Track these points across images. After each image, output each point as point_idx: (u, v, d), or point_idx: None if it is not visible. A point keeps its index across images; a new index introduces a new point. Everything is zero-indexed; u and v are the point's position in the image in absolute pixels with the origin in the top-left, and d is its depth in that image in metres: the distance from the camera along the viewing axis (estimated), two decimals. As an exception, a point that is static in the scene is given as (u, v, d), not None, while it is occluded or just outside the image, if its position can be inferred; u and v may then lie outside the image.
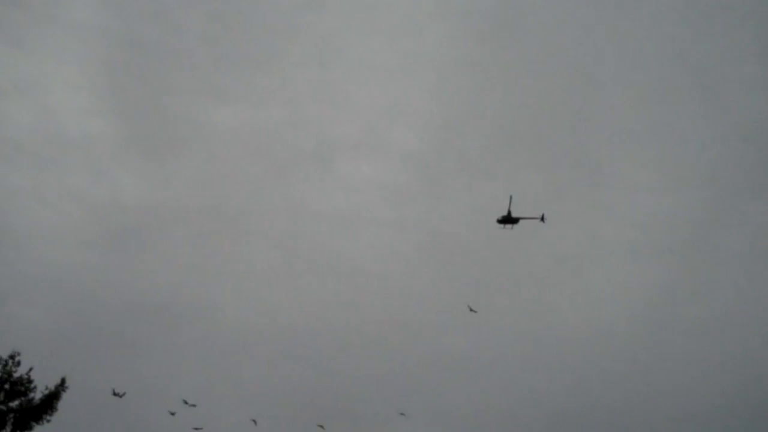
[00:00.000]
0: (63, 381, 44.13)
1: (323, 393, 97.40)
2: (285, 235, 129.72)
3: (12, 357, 44.39)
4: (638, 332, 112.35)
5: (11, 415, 42.03)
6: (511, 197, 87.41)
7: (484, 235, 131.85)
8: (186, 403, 72.52)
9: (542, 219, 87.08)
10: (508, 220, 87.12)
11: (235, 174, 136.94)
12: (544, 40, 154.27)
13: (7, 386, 43.02)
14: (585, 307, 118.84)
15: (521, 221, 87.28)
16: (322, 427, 76.62)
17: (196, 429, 72.97)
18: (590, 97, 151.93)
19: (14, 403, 42.46)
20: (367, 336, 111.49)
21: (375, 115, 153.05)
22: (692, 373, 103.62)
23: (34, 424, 42.53)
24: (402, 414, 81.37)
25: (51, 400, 43.40)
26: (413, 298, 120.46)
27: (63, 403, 43.86)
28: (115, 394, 68.69)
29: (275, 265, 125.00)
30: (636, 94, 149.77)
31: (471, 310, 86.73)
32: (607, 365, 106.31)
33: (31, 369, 44.35)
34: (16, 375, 43.78)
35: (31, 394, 43.19)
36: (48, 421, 42.99)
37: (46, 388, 44.13)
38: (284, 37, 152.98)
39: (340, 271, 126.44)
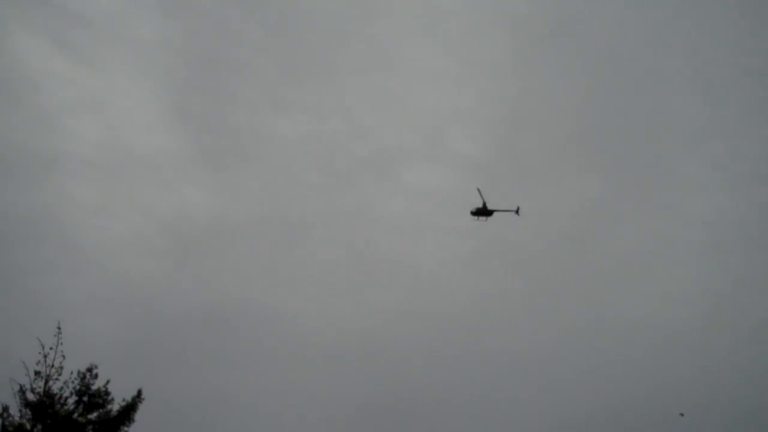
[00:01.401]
0: (139, 392, 44.76)
1: (391, 400, 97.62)
2: (349, 243, 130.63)
3: (89, 370, 45.11)
4: (708, 333, 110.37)
5: (90, 428, 42.80)
6: (479, 189, 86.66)
7: (546, 239, 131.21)
8: None
9: (517, 212, 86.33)
10: (482, 212, 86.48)
11: (299, 184, 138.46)
12: (602, 40, 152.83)
13: (85, 399, 43.73)
14: (652, 309, 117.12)
15: (496, 214, 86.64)
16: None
17: None
18: (652, 96, 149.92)
19: (93, 416, 43.18)
20: (430, 341, 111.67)
21: (433, 121, 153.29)
22: (763, 373, 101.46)
23: (112, 435, 43.25)
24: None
25: (128, 412, 44.06)
26: (475, 303, 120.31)
27: (139, 414, 44.62)
28: None
29: (340, 273, 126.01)
30: (700, 91, 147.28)
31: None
32: (676, 367, 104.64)
33: (108, 381, 45.04)
34: (93, 387, 44.52)
35: (109, 406, 43.87)
36: (126, 432, 43.70)
37: (123, 400, 44.82)
38: (343, 47, 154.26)
39: (403, 277, 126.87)
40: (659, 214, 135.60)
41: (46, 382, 34.35)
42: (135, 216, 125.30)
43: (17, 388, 33.90)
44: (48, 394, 34.37)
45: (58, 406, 35.61)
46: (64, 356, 34.89)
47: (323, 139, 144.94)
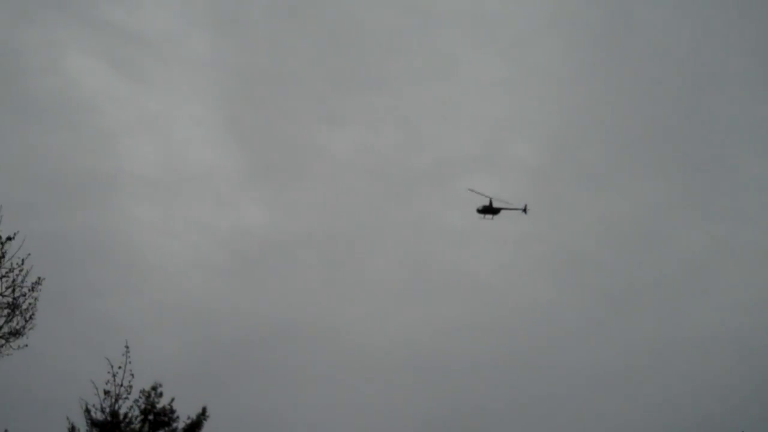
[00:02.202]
0: (204, 410, 44.13)
1: (455, 414, 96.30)
2: (408, 254, 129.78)
3: (154, 388, 44.61)
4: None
5: (156, 446, 42.30)
6: (472, 190, 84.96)
7: (609, 247, 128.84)
8: None
9: (525, 210, 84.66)
10: (489, 210, 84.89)
11: (356, 196, 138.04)
12: (660, 42, 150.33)
13: (151, 417, 43.25)
14: (718, 315, 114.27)
15: (503, 212, 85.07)
16: None
17: None
18: (713, 96, 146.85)
19: (158, 434, 42.76)
20: (492, 354, 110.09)
21: (491, 129, 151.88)
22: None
23: (178, 453, 42.73)
24: None
25: (193, 429, 43.52)
26: (538, 314, 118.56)
27: (204, 432, 44.02)
28: None
29: (400, 285, 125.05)
30: (764, 89, 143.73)
31: None
32: (742, 375, 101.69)
33: (173, 399, 44.52)
34: (159, 406, 44.06)
35: (174, 425, 43.37)
36: (192, 450, 43.12)
37: (188, 418, 44.29)
38: (396, 57, 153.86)
39: (464, 288, 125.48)
40: (725, 217, 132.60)
41: (116, 401, 34.02)
42: (194, 234, 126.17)
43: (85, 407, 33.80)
44: (114, 413, 34.00)
45: (124, 425, 35.20)
46: (132, 375, 34.73)
47: (379, 151, 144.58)
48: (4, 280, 32.48)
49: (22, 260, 32.38)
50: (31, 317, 32.91)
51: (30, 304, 33.08)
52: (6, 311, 32.76)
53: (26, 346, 32.99)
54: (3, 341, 32.81)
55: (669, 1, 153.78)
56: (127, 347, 34.74)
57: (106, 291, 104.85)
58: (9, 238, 32.02)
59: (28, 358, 33.89)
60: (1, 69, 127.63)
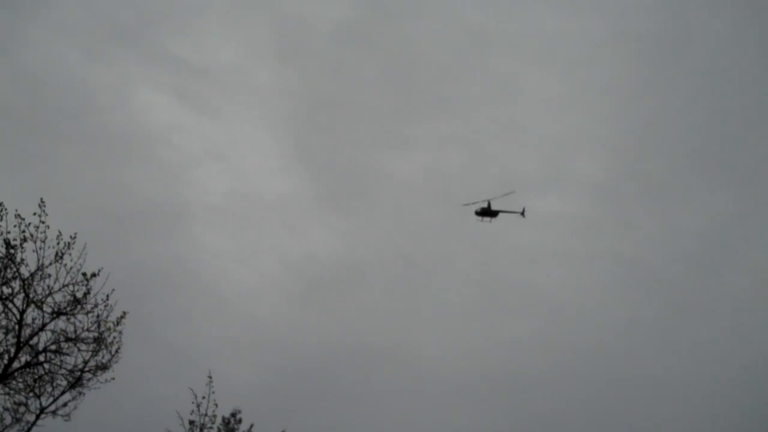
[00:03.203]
0: (283, 435, 44.98)
1: (529, 430, 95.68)
2: (477, 274, 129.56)
3: (233, 415, 45.50)
4: None
5: (238, 473, 43.05)
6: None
7: (679, 260, 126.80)
8: None
9: (522, 213, 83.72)
10: (487, 212, 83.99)
11: (423, 218, 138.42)
12: (721, 52, 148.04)
13: (232, 444, 44.00)
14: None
15: (501, 215, 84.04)
16: None
17: None
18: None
19: (239, 461, 43.49)
20: (564, 370, 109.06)
21: (555, 147, 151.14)
22: None
23: (259, 480, 43.43)
24: None
25: (273, 455, 44.25)
26: (609, 328, 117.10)
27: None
28: None
29: (470, 305, 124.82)
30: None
31: None
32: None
33: (252, 426, 45.33)
34: (239, 432, 44.77)
35: (255, 450, 44.12)
36: (272, 476, 43.85)
37: (268, 443, 44.92)
38: (457, 79, 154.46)
39: (534, 306, 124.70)
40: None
41: (200, 431, 34.87)
42: (265, 260, 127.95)
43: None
44: (199, 442, 34.91)
45: (209, 453, 36.04)
46: (216, 405, 35.49)
47: (444, 174, 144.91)
48: (89, 315, 33.64)
49: (107, 296, 33.50)
50: (117, 351, 33.94)
51: (114, 338, 34.11)
52: (92, 346, 33.86)
53: (113, 379, 34.02)
54: (90, 375, 33.88)
55: (728, 12, 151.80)
56: (210, 377, 35.57)
57: (182, 319, 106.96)
58: (94, 275, 33.20)
59: (114, 389, 34.91)
60: (74, 106, 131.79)
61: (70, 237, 32.66)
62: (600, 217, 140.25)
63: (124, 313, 33.94)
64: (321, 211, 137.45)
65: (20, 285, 32.40)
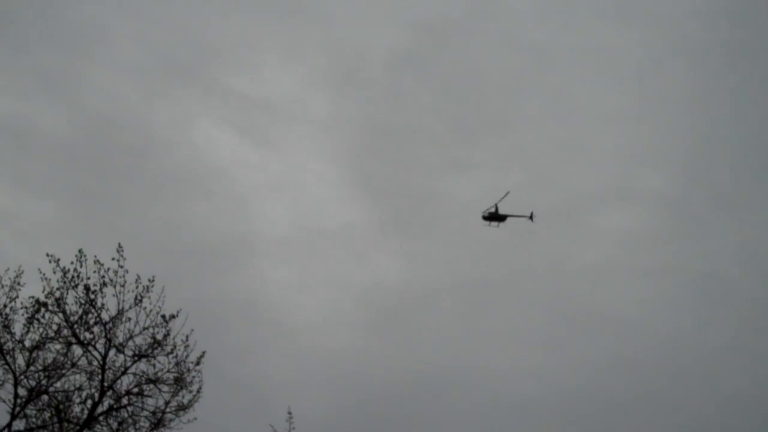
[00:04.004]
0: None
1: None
2: (546, 296, 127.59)
3: (314, 449, 45.36)
4: None
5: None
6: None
7: (754, 272, 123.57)
8: None
9: (531, 217, 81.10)
10: (495, 217, 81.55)
11: (488, 240, 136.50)
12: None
13: (308, 477, 43.86)
14: None
15: (509, 219, 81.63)
16: None
17: None
18: None
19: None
20: (641, 390, 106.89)
21: (619, 162, 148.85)
22: None
23: None
24: None
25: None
26: (683, 345, 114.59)
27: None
28: None
29: (539, 327, 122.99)
30: None
31: None
32: None
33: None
34: (318, 467, 44.57)
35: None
36: None
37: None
38: (515, 97, 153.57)
39: (606, 326, 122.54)
40: None
41: (285, 465, 34.89)
42: (331, 290, 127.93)
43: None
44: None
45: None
46: (297, 440, 35.46)
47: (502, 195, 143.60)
48: (170, 356, 33.85)
49: (186, 336, 33.72)
50: (198, 391, 34.07)
51: (194, 377, 34.26)
52: (173, 387, 34.03)
53: (195, 419, 34.13)
54: (172, 416, 34.06)
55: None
56: (290, 413, 35.58)
57: (253, 354, 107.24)
58: (172, 316, 33.50)
59: (196, 429, 34.94)
60: (137, 145, 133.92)
61: (149, 280, 33.07)
62: (669, 231, 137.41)
63: (203, 352, 34.18)
64: (385, 238, 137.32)
65: (102, 330, 32.76)
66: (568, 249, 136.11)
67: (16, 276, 33.68)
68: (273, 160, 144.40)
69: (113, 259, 32.55)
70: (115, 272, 32.60)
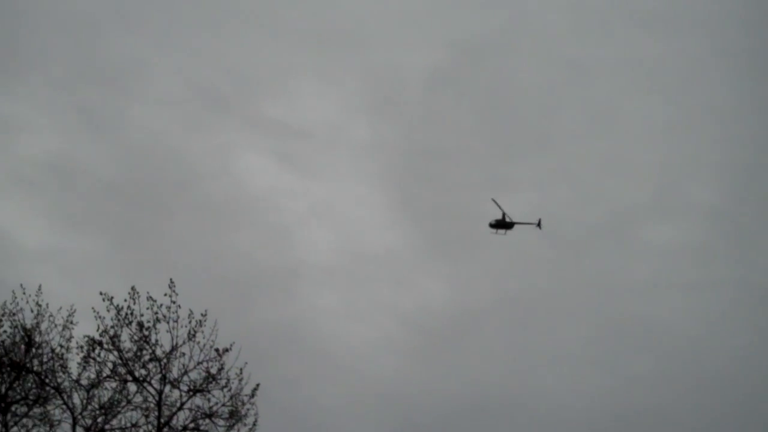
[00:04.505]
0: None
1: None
2: (594, 312, 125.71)
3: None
4: None
5: None
6: (494, 200, 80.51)
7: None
8: None
9: (539, 225, 79.28)
10: (502, 224, 79.74)
11: (533, 259, 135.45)
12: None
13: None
14: None
15: (516, 227, 79.97)
16: None
17: None
18: None
19: None
20: (692, 405, 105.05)
21: (663, 175, 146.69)
22: None
23: None
24: None
25: None
26: (736, 360, 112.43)
27: None
28: None
29: (590, 344, 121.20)
30: None
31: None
32: None
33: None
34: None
35: None
36: None
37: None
38: (555, 114, 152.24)
39: (656, 340, 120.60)
40: None
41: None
42: (377, 315, 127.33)
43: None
44: None
45: None
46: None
47: (550, 212, 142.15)
48: (224, 390, 33.69)
49: (240, 369, 33.54)
50: (254, 423, 33.84)
51: (249, 410, 34.04)
52: (228, 420, 33.84)
53: (251, 452, 33.87)
54: (228, 449, 33.88)
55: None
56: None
57: (302, 382, 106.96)
58: (226, 350, 33.37)
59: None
60: (179, 178, 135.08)
61: (201, 314, 33.01)
62: (719, 243, 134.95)
63: (258, 385, 34.05)
64: (430, 260, 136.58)
65: (157, 366, 32.72)
66: (615, 264, 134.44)
67: (69, 315, 34.20)
68: (314, 186, 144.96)
69: (165, 294, 32.63)
70: (168, 308, 32.68)
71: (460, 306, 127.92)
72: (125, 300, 32.36)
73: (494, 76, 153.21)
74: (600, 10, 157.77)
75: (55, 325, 34.13)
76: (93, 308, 32.45)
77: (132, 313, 32.34)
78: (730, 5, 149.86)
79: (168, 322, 32.59)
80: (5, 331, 33.71)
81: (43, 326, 34.20)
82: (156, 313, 32.51)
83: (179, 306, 32.66)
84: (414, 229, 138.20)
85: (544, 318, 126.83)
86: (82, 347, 32.25)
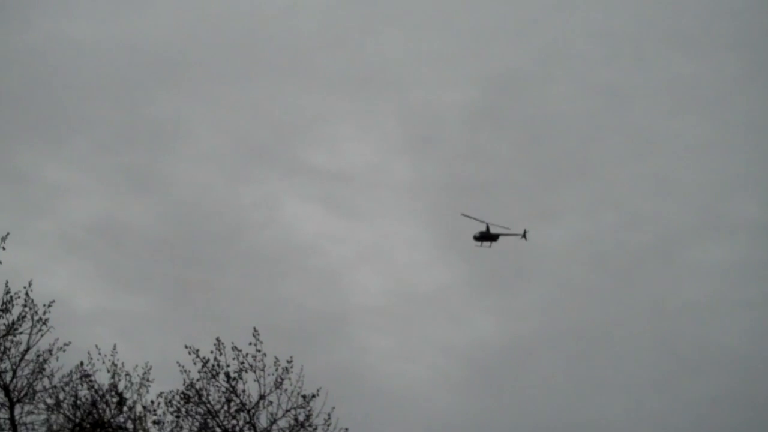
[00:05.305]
0: None
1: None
2: (651, 336, 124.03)
3: None
4: None
5: None
6: (465, 215, 78.89)
7: None
8: None
9: (524, 236, 77.26)
10: (486, 236, 77.88)
11: (583, 287, 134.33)
12: None
13: None
14: None
15: (501, 239, 78.11)
16: None
17: None
18: None
19: None
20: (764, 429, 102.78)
21: (709, 193, 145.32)
22: None
23: None
24: None
25: None
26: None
27: None
28: None
29: (649, 369, 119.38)
30: None
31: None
32: None
33: None
34: None
35: None
36: None
37: None
38: (596, 139, 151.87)
39: (717, 362, 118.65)
40: None
41: None
42: (431, 354, 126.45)
43: None
44: None
45: None
46: None
47: (597, 238, 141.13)
48: (316, 436, 33.41)
49: (328, 415, 33.34)
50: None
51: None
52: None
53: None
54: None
55: None
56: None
57: (360, 426, 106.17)
58: (313, 396, 33.17)
59: None
60: (226, 230, 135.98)
61: (287, 361, 32.84)
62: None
63: (346, 430, 33.65)
64: (480, 295, 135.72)
65: (246, 417, 32.56)
66: (667, 287, 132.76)
67: (144, 372, 34.80)
68: (360, 230, 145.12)
69: (250, 343, 32.59)
70: (254, 357, 32.54)
71: (513, 339, 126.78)
72: (211, 352, 32.36)
73: (531, 106, 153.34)
74: (631, 33, 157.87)
75: (132, 383, 34.43)
76: (178, 362, 32.60)
77: (218, 365, 32.26)
78: (761, 19, 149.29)
79: (255, 371, 32.45)
80: (85, 394, 34.30)
81: (121, 385, 34.79)
82: (242, 362, 32.40)
83: (264, 354, 32.60)
84: (463, 265, 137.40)
85: (601, 345, 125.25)
86: (170, 402, 32.16)
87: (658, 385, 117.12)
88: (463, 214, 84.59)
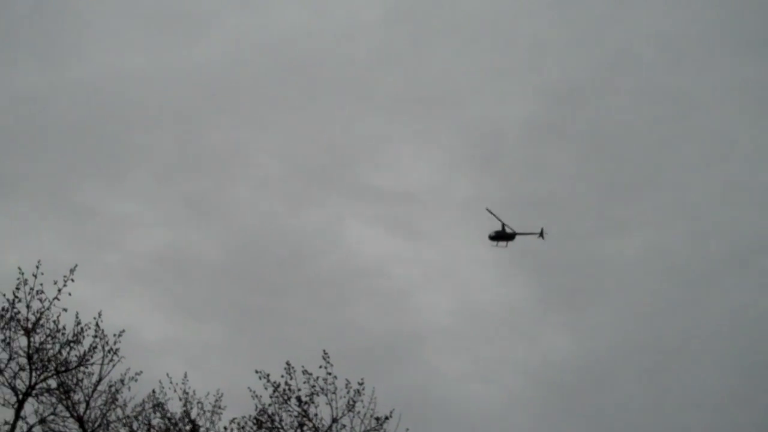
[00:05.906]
0: None
1: None
2: (733, 348, 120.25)
3: None
4: None
5: None
6: (489, 209, 76.03)
7: None
8: None
9: (541, 234, 73.74)
10: (502, 236, 74.52)
11: (657, 300, 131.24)
12: None
13: None
14: None
15: (518, 237, 74.74)
16: None
17: None
18: None
19: None
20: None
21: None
22: None
23: None
24: None
25: None
26: None
27: None
28: None
29: (733, 381, 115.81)
30: None
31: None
32: None
33: None
34: None
35: None
36: None
37: None
38: (663, 148, 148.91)
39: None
40: None
41: None
42: (503, 373, 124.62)
43: None
44: None
45: None
46: None
47: (670, 249, 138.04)
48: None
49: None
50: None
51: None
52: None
53: None
54: None
55: None
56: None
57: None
58: (387, 417, 32.77)
59: None
60: (291, 256, 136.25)
61: (359, 383, 32.27)
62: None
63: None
64: (551, 312, 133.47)
65: (321, 441, 32.03)
66: (744, 296, 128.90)
67: (216, 400, 34.78)
68: (426, 249, 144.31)
69: (321, 366, 32.05)
70: (325, 380, 32.05)
71: (587, 356, 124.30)
72: (282, 376, 31.93)
73: (594, 117, 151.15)
74: (694, 37, 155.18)
75: (204, 411, 34.41)
76: (249, 388, 32.37)
77: (290, 389, 31.80)
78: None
79: (326, 395, 31.93)
80: (158, 422, 34.29)
81: (193, 413, 34.78)
82: (313, 386, 31.91)
83: (335, 377, 32.04)
84: (532, 282, 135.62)
85: (680, 359, 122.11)
86: (243, 428, 31.82)
87: (738, 399, 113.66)
88: (487, 209, 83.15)
